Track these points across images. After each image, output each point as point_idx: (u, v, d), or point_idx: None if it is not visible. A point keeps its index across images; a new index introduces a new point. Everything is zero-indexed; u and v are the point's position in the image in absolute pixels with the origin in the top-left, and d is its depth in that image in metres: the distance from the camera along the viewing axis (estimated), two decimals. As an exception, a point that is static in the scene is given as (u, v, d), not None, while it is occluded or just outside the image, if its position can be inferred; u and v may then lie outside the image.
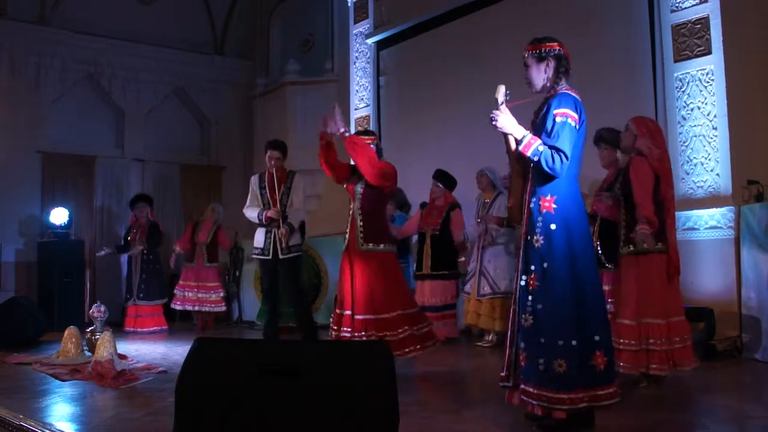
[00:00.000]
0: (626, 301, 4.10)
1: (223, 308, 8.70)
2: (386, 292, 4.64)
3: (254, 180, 6.00)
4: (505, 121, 3.10)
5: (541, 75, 3.21)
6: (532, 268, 3.08)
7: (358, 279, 4.68)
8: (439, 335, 6.49)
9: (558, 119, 3.05)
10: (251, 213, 5.84)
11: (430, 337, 4.83)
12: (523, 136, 3.07)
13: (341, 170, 4.91)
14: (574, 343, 2.96)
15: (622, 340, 4.00)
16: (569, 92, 3.13)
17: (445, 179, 6.77)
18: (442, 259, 6.65)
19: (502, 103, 3.10)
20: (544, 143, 3.05)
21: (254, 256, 5.94)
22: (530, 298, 3.08)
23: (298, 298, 5.90)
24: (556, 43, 3.22)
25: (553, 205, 3.07)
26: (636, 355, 4.01)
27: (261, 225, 5.82)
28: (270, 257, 5.72)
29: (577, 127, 3.08)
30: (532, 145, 3.04)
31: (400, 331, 4.61)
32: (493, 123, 3.11)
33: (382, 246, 4.76)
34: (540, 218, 3.09)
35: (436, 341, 4.91)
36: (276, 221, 5.69)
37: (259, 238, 5.81)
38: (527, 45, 3.26)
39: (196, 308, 8.45)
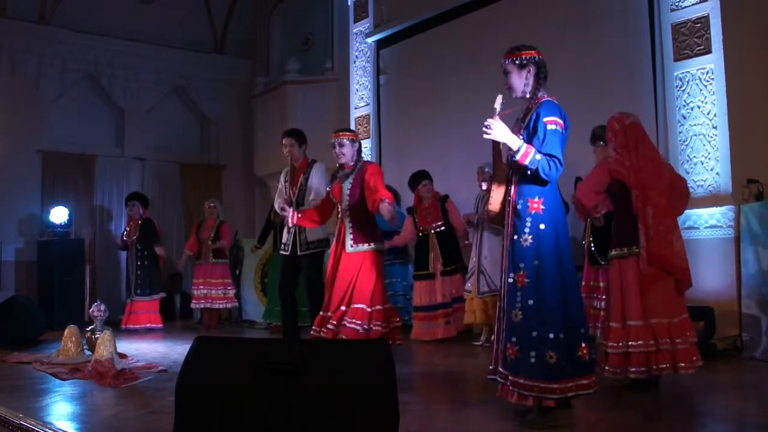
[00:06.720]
0: (630, 303, 3.97)
1: (233, 304, 8.72)
2: (375, 287, 4.67)
3: (282, 174, 5.75)
4: (499, 130, 3.25)
5: (522, 81, 3.35)
6: (521, 266, 3.22)
7: (349, 276, 4.67)
8: (451, 331, 6.58)
9: (549, 127, 3.21)
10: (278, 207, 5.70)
11: (395, 336, 4.81)
12: (519, 146, 3.21)
13: (327, 209, 5.01)
14: (561, 336, 3.13)
15: (631, 343, 3.89)
16: (552, 100, 3.30)
17: (429, 177, 6.87)
18: (451, 255, 6.74)
19: (498, 112, 3.25)
20: (538, 151, 3.18)
21: (280, 252, 5.77)
22: (519, 294, 3.22)
23: (312, 296, 5.56)
24: (534, 51, 3.36)
25: (542, 207, 3.24)
26: (648, 356, 3.89)
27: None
28: (289, 253, 5.53)
29: (563, 133, 3.26)
30: (529, 155, 3.18)
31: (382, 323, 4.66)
32: (487, 132, 3.27)
33: (372, 245, 4.74)
34: (529, 219, 3.24)
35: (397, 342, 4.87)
36: (287, 212, 5.44)
37: (285, 233, 5.64)
38: (505, 54, 3.39)
39: (206, 305, 8.44)
